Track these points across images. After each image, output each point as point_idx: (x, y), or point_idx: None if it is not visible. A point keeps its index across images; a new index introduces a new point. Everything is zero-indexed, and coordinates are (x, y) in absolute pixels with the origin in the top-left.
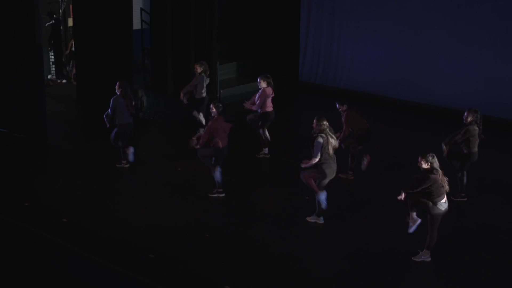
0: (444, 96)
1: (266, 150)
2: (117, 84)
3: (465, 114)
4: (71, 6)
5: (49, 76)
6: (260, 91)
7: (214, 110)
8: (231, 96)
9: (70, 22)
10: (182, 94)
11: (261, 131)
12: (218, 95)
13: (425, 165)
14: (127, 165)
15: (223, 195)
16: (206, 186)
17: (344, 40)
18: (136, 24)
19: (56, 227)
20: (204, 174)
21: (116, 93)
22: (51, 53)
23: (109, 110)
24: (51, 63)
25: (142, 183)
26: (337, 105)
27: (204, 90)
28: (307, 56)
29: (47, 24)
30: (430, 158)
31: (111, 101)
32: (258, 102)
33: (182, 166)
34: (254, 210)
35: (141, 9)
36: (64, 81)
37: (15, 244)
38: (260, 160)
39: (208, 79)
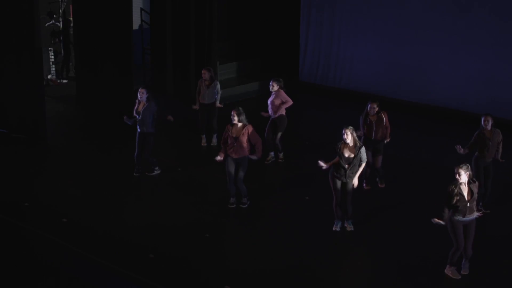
0: (444, 96)
1: (280, 155)
2: (145, 91)
3: (488, 119)
4: (71, 6)
5: (49, 76)
6: (277, 93)
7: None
8: (231, 96)
9: (71, 22)
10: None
11: (279, 136)
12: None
13: (465, 176)
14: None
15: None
16: (206, 186)
17: (344, 40)
18: (136, 24)
19: (56, 227)
20: (204, 174)
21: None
22: (51, 53)
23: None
24: (51, 63)
25: (142, 183)
26: (369, 106)
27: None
28: (307, 56)
29: (47, 24)
30: (468, 168)
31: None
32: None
33: (182, 166)
34: (254, 210)
35: (141, 9)
36: (64, 81)
37: (15, 244)
38: (260, 161)
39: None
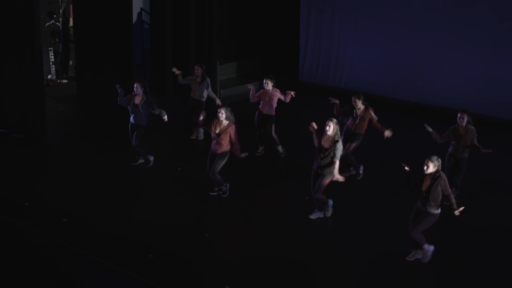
0: (444, 96)
1: (280, 149)
2: (140, 85)
3: (463, 116)
4: (71, 6)
5: (49, 76)
6: (273, 90)
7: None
8: (231, 96)
9: (71, 22)
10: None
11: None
12: (218, 95)
13: (433, 168)
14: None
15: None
16: (207, 186)
17: (344, 40)
18: (136, 24)
19: (56, 227)
20: (205, 174)
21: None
22: (51, 53)
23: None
24: (51, 63)
25: (143, 183)
26: (353, 99)
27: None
28: (307, 56)
29: (47, 24)
30: (437, 161)
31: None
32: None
33: (183, 166)
34: (254, 210)
35: (141, 9)
36: (64, 81)
37: (15, 244)
38: (259, 159)
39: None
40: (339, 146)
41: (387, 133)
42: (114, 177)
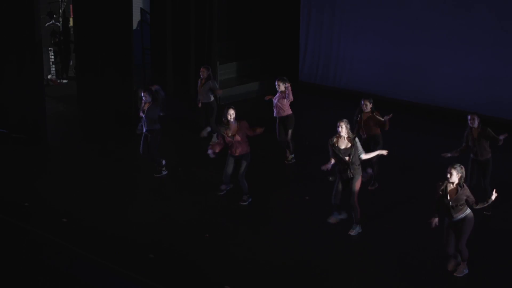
0: (444, 96)
1: (290, 156)
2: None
3: (474, 117)
4: (71, 6)
5: (49, 76)
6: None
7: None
8: (231, 96)
9: (71, 22)
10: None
11: (290, 134)
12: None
13: (456, 175)
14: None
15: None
16: (207, 185)
17: (344, 40)
18: (136, 24)
19: (56, 227)
20: (205, 174)
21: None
22: (51, 53)
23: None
24: (51, 63)
25: (142, 183)
26: (362, 102)
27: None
28: (307, 56)
29: (47, 24)
30: (459, 167)
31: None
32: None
33: (183, 165)
34: (254, 210)
35: (141, 9)
36: (64, 81)
37: (15, 244)
38: (259, 160)
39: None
40: (358, 140)
41: (388, 116)
42: (114, 177)
